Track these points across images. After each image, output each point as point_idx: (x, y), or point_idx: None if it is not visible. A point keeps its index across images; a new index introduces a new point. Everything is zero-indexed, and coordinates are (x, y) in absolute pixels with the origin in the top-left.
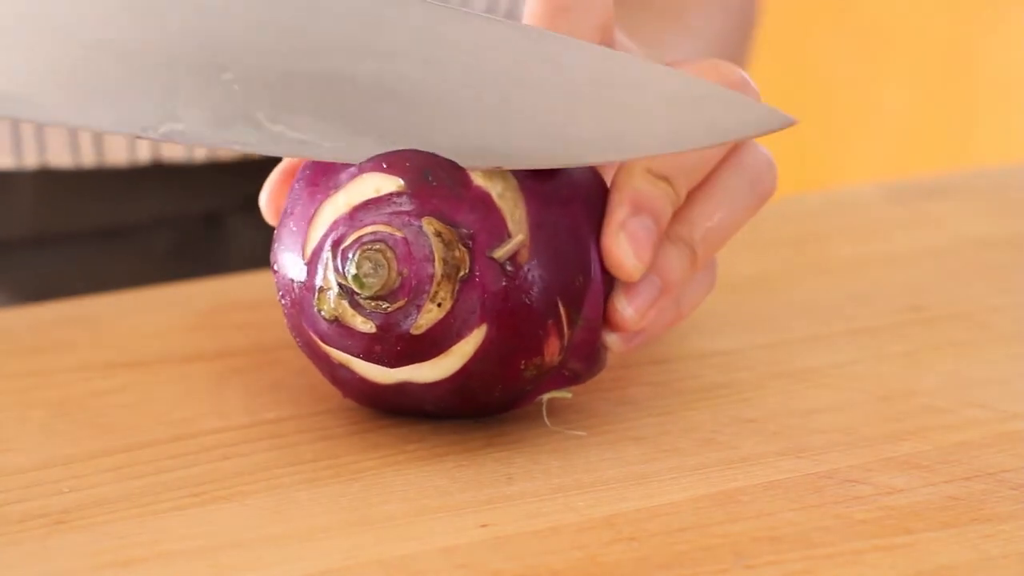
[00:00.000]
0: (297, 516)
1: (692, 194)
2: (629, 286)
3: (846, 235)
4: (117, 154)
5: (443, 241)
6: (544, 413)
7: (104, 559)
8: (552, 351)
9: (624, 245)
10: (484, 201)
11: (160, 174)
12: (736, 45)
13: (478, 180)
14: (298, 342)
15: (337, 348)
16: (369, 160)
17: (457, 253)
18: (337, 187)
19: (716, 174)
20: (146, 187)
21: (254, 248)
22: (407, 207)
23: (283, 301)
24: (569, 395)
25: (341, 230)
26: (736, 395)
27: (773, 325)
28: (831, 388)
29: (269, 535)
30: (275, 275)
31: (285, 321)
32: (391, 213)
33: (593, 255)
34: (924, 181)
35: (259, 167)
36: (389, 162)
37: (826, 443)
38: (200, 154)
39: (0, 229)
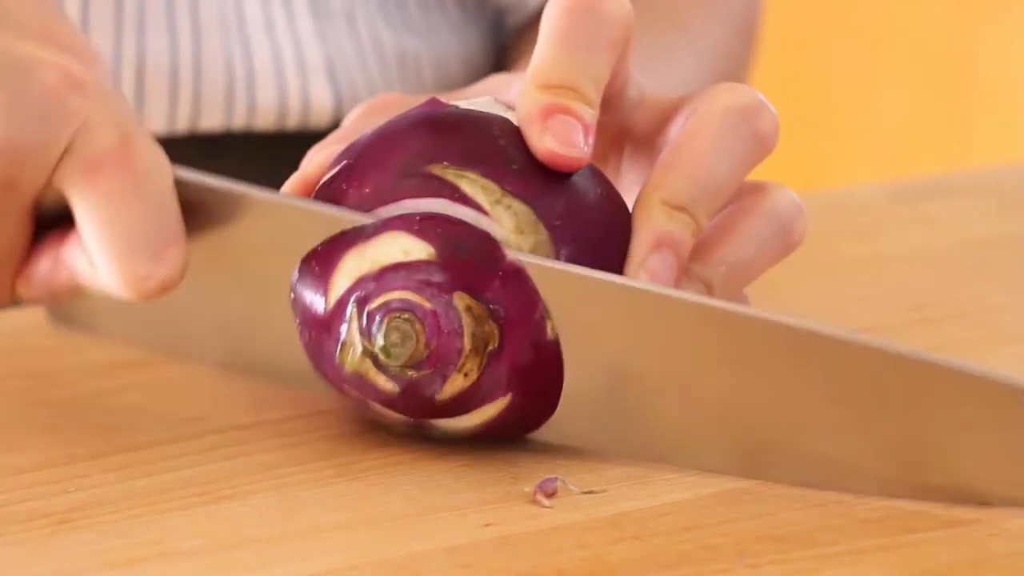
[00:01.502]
0: (301, 516)
1: (718, 235)
2: None
3: (846, 235)
4: (157, 116)
5: (473, 316)
6: None
7: (108, 558)
8: None
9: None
10: (517, 276)
11: (191, 151)
12: (737, 55)
13: (510, 250)
14: (313, 365)
15: (356, 393)
16: (398, 217)
17: (487, 328)
18: (363, 237)
19: (746, 218)
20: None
21: None
22: (437, 279)
23: (301, 331)
24: None
25: (367, 289)
26: None
27: None
28: None
29: (273, 534)
30: (292, 303)
31: (300, 343)
32: (420, 281)
33: None
34: (924, 181)
35: (282, 154)
36: (420, 226)
37: None
38: (239, 120)
39: None
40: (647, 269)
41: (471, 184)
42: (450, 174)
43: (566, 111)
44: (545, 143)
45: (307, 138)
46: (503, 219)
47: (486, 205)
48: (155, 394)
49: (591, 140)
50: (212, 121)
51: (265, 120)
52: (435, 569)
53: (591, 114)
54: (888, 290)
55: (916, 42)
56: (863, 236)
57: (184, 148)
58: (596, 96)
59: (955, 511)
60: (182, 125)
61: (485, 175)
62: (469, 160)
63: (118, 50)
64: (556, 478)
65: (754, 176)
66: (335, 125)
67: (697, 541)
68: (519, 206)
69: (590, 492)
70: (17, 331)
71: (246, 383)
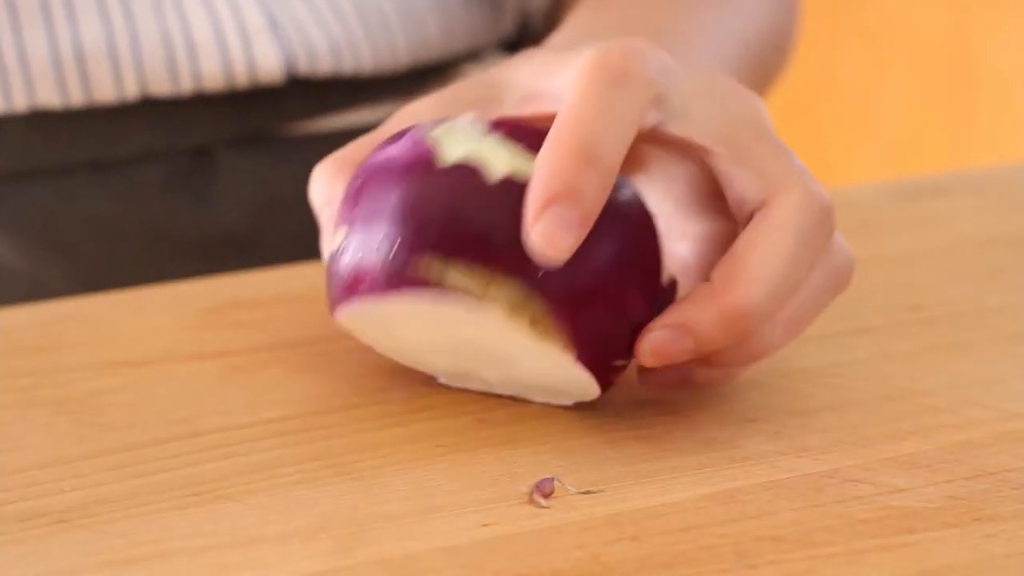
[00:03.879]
0: (298, 515)
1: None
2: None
3: (846, 235)
4: (104, 91)
5: None
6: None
7: (106, 558)
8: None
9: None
10: None
11: (148, 109)
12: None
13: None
14: None
15: None
16: None
17: None
18: None
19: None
20: (135, 121)
21: (243, 183)
22: None
23: None
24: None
25: None
26: (737, 395)
27: None
28: (832, 388)
29: (271, 534)
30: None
31: None
32: None
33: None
34: (924, 181)
35: (247, 101)
36: None
37: (827, 443)
38: (187, 86)
39: None
40: (652, 342)
41: (458, 277)
42: (435, 270)
43: (572, 197)
44: (532, 236)
45: (259, 95)
46: (498, 300)
47: (477, 292)
48: (152, 393)
49: (584, 231)
50: (161, 91)
51: (213, 84)
52: (433, 569)
53: (597, 200)
54: (888, 290)
55: (916, 42)
56: (863, 236)
57: (138, 111)
58: (617, 160)
59: (957, 509)
60: (131, 94)
61: (469, 263)
62: (452, 250)
63: (53, 42)
64: (553, 478)
65: None
66: (289, 81)
67: (695, 541)
68: (509, 282)
69: (587, 492)
70: (14, 330)
71: (244, 382)
